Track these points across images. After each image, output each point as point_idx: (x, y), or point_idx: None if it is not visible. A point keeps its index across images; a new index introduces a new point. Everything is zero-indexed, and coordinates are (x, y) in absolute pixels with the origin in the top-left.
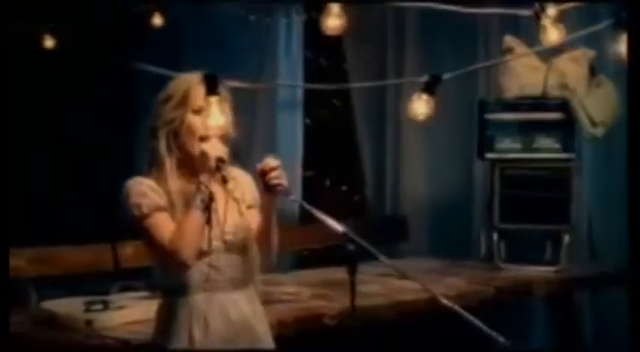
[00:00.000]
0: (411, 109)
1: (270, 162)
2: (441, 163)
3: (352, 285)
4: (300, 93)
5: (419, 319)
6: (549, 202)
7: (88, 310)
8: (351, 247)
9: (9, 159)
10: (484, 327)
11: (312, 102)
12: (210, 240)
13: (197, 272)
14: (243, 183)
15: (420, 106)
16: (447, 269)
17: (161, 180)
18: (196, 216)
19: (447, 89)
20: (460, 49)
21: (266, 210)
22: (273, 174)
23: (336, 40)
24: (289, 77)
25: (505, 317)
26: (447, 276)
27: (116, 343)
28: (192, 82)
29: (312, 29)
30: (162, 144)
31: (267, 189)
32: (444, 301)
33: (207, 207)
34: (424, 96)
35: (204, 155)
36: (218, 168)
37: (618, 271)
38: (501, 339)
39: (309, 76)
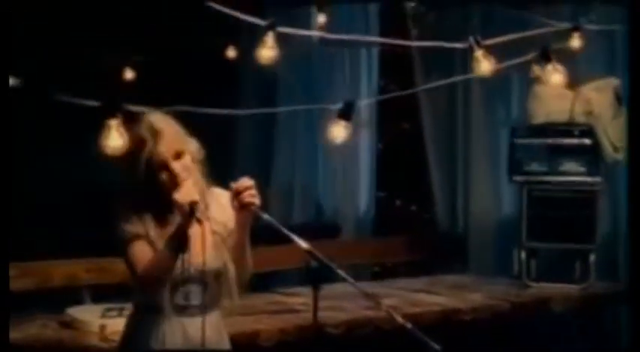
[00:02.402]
0: (329, 134)
1: (245, 181)
2: (504, 184)
3: (315, 301)
4: (373, 118)
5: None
6: (575, 222)
7: (104, 316)
8: (314, 265)
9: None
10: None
11: (383, 126)
12: (185, 270)
13: (168, 296)
14: (227, 206)
15: (337, 131)
16: (473, 286)
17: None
18: (168, 256)
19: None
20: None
21: (241, 227)
22: (247, 193)
23: (408, 68)
24: (367, 104)
25: (517, 331)
26: (469, 292)
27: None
28: (137, 138)
29: (385, 58)
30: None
31: (242, 207)
32: (399, 318)
33: (183, 248)
34: (341, 122)
35: (176, 203)
36: (192, 213)
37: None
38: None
39: (381, 103)
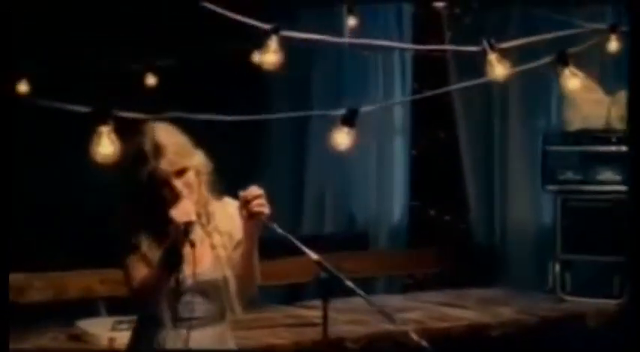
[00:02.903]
0: (332, 140)
1: (254, 190)
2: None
3: (325, 313)
4: (407, 125)
5: (451, 347)
6: (611, 234)
7: (113, 329)
8: (324, 276)
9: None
10: None
11: (417, 134)
12: (182, 281)
13: (169, 309)
14: (235, 217)
15: (340, 137)
16: (504, 299)
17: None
18: (161, 275)
19: None
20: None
21: (249, 237)
22: (256, 202)
23: (442, 73)
24: (401, 108)
25: (548, 347)
26: (499, 306)
27: None
28: (138, 153)
29: (420, 62)
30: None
31: (250, 216)
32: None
33: (176, 267)
34: (344, 129)
35: (171, 222)
36: (186, 233)
37: None
38: None
39: (415, 107)
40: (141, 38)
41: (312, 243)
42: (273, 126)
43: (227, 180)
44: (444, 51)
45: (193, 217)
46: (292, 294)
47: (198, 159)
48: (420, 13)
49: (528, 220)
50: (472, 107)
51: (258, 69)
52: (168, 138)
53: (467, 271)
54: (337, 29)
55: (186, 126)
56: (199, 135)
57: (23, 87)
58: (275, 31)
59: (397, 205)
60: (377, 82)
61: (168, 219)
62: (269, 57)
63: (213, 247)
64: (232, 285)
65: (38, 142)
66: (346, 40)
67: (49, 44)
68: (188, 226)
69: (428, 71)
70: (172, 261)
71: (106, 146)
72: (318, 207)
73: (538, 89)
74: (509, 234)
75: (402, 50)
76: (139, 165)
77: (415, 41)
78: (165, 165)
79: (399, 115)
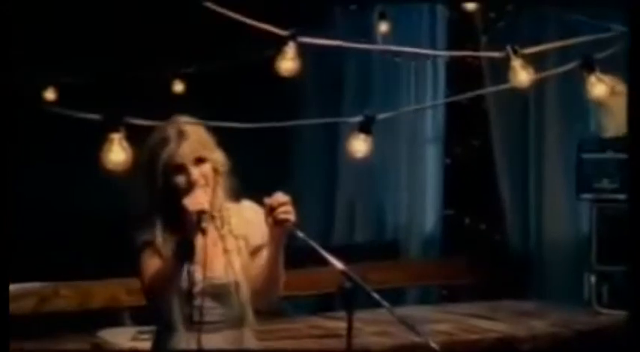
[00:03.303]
0: (348, 148)
1: (280, 197)
2: (580, 203)
3: (349, 323)
4: (441, 133)
5: None
6: None
7: (135, 338)
8: (348, 285)
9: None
10: None
11: (451, 142)
12: (194, 283)
13: (182, 312)
14: (252, 221)
15: (358, 144)
16: (537, 312)
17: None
18: (173, 265)
19: None
20: None
21: (273, 245)
22: (282, 209)
23: (476, 79)
24: (434, 116)
25: None
26: (532, 318)
27: None
28: (160, 143)
29: (453, 69)
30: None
31: (276, 223)
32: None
33: (188, 257)
34: (361, 136)
35: (184, 210)
36: (199, 222)
37: None
38: None
39: (451, 115)
40: (167, 45)
41: (342, 252)
42: (304, 133)
43: (254, 188)
44: (478, 57)
45: (207, 206)
46: (321, 304)
47: (218, 156)
48: (455, 16)
49: (564, 230)
50: (507, 114)
51: (286, 76)
52: (193, 128)
53: (500, 282)
54: (370, 34)
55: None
56: (226, 141)
57: (50, 94)
58: (292, 37)
59: (430, 214)
60: (409, 88)
61: (182, 210)
62: (286, 64)
63: (225, 251)
64: (244, 291)
65: (64, 150)
66: (368, 46)
67: (77, 52)
68: (201, 215)
69: (462, 77)
70: (184, 251)
71: (118, 153)
72: (349, 216)
73: (575, 95)
74: (544, 244)
75: (434, 56)
76: (158, 150)
77: (450, 46)
78: (186, 148)
79: (433, 123)
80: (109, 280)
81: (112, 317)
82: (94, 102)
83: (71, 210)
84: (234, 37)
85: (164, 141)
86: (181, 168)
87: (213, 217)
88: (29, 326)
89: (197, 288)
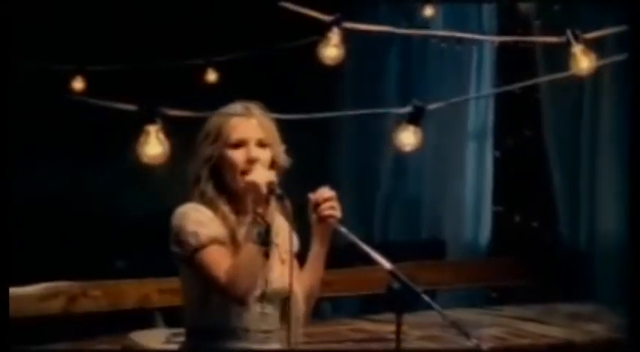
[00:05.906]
0: (396, 139)
1: (325, 192)
2: None
3: (398, 327)
4: (490, 124)
5: None
6: None
7: (167, 341)
8: (396, 286)
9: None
10: None
11: (501, 134)
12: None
13: (234, 319)
14: (285, 227)
15: (407, 137)
16: (594, 315)
17: (217, 214)
18: (253, 249)
19: None
20: None
21: (318, 242)
22: (327, 204)
23: (528, 67)
24: (481, 106)
25: None
26: (588, 322)
27: None
28: (226, 116)
29: (506, 58)
30: (208, 185)
31: (320, 220)
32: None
33: (265, 241)
34: (411, 127)
35: (252, 185)
36: (271, 192)
37: None
38: None
39: (501, 105)
40: (203, 33)
41: (384, 250)
42: (343, 127)
43: (292, 184)
44: (532, 43)
45: (273, 177)
46: (364, 306)
47: (280, 148)
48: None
49: (620, 229)
50: (561, 104)
51: (327, 65)
52: (261, 112)
53: (555, 284)
54: (414, 19)
55: None
56: None
57: (78, 84)
58: (336, 22)
59: (478, 211)
60: (455, 77)
61: (241, 190)
62: (330, 51)
63: (282, 261)
64: (299, 296)
65: (95, 146)
66: (415, 32)
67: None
68: (271, 185)
69: (513, 65)
70: (261, 231)
71: (154, 146)
72: (390, 213)
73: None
74: (600, 243)
75: (482, 42)
76: (221, 122)
77: (500, 31)
78: (250, 125)
79: (480, 114)
80: (139, 279)
81: (143, 318)
82: (123, 92)
83: (99, 209)
84: (270, 24)
85: (228, 116)
86: (243, 143)
87: (269, 225)
88: (59, 327)
89: (256, 293)
